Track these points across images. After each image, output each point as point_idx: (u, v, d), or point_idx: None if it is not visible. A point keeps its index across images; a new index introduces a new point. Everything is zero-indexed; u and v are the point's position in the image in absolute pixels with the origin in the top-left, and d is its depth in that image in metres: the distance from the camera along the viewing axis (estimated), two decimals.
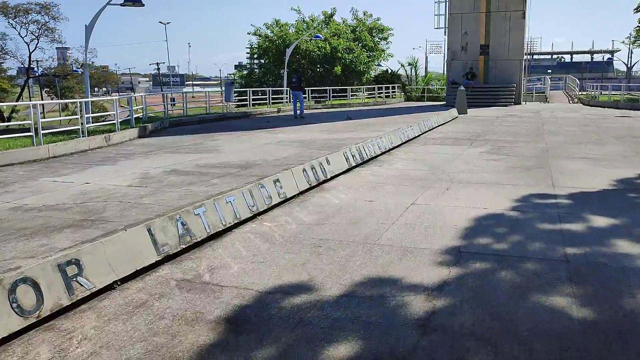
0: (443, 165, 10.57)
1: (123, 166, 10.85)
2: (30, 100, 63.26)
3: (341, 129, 18.48)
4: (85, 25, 17.28)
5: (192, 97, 44.10)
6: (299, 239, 5.82)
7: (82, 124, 13.68)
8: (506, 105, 32.02)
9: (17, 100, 56.15)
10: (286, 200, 7.43)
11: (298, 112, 24.32)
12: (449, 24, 35.93)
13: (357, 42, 43.17)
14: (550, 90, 43.32)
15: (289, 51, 31.29)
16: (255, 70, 44.76)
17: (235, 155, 12.30)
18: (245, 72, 45.33)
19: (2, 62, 61.85)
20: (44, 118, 20.33)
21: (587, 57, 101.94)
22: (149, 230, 4.90)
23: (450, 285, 4.50)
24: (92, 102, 18.77)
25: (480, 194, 8.01)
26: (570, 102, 37.87)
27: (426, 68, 69.41)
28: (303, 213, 6.90)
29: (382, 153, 12.21)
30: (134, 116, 17.07)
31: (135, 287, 4.51)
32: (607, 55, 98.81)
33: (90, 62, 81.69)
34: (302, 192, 7.99)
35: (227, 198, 6.12)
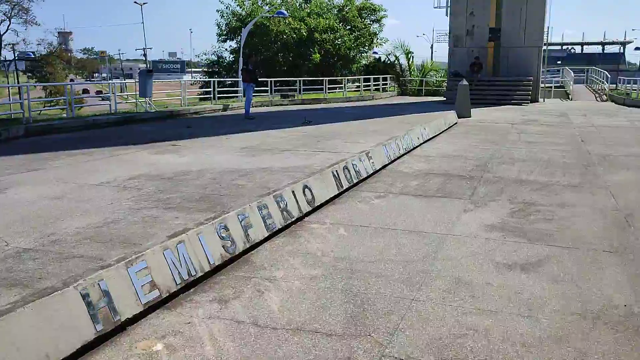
0: (397, 298, 4.02)
1: None
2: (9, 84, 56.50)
3: (277, 145, 11.99)
4: None
5: (192, 84, 39.63)
6: None
7: None
8: (521, 104, 25.34)
9: None
10: None
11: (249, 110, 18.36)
12: (452, 3, 29.19)
13: (343, 24, 36.36)
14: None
15: (245, 32, 24.54)
16: (224, 56, 37.92)
17: None
18: (214, 57, 38.40)
19: None
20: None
21: (598, 49, 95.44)
22: None
23: None
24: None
25: None
26: (598, 99, 31.06)
27: (432, 59, 62.58)
28: None
29: (287, 226, 5.69)
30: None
31: None
32: (621, 47, 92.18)
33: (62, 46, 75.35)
34: None
35: None
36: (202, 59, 40.36)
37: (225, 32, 35.74)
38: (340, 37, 34.05)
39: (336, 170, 7.38)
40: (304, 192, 6.27)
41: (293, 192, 6.04)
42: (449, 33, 29.11)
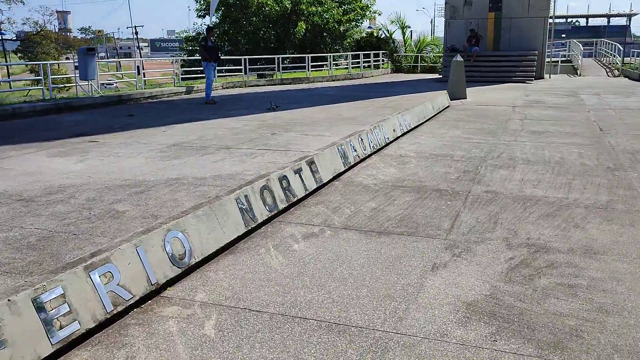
0: None
1: None
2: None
3: (218, 140, 9.51)
4: None
5: (172, 63, 37.84)
6: None
7: None
8: (524, 81, 22.64)
9: None
10: None
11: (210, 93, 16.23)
12: None
13: None
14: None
15: (214, 2, 21.77)
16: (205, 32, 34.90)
17: None
18: (192, 33, 35.49)
19: None
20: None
21: (603, 22, 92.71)
22: None
23: None
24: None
25: None
26: (610, 74, 28.28)
27: (432, 34, 59.34)
28: None
29: (123, 313, 3.24)
30: None
31: None
32: (627, 19, 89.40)
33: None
34: None
35: None
36: (181, 36, 37.52)
37: (203, 7, 32.87)
38: (329, 10, 31.06)
39: (245, 196, 4.87)
40: (164, 246, 3.79)
41: (137, 251, 3.56)
42: (445, 3, 26.28)
